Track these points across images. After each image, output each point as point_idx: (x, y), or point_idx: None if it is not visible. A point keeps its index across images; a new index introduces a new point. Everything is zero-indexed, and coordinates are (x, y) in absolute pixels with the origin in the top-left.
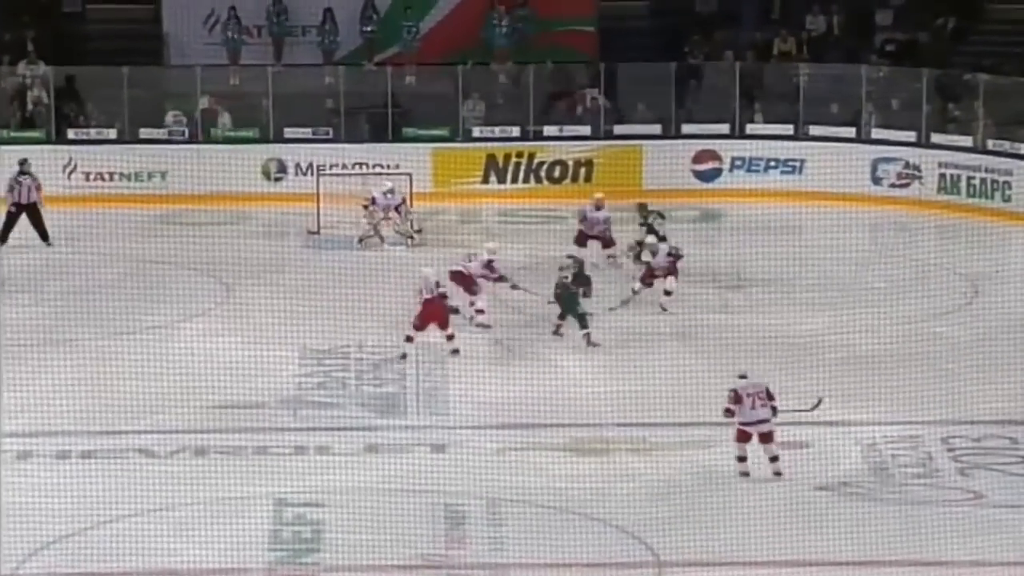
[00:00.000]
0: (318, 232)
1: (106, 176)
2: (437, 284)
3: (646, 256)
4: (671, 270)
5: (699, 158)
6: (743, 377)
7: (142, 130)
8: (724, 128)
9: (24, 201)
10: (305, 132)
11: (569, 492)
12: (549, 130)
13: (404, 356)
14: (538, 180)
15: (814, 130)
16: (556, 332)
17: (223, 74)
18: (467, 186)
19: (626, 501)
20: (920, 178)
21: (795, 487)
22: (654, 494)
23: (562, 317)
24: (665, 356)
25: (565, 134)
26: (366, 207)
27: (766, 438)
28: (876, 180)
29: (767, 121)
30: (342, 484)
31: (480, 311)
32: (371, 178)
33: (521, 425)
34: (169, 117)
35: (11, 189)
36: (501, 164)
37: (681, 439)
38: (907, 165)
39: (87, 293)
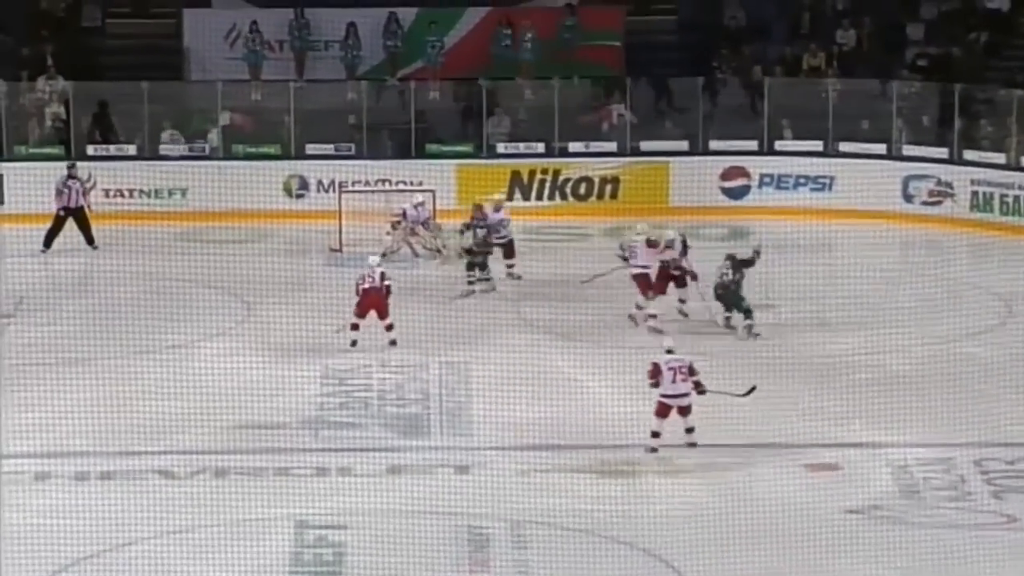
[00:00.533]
0: (340, 250)
1: (126, 193)
2: (383, 276)
3: (667, 254)
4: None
5: (727, 175)
6: (670, 352)
7: (162, 146)
8: (753, 144)
9: (73, 205)
10: (327, 148)
11: (595, 514)
12: (575, 146)
13: (354, 343)
14: (563, 197)
15: (844, 146)
16: (728, 325)
17: (244, 89)
18: None
19: (653, 524)
20: (952, 195)
21: (825, 510)
22: (682, 516)
23: (728, 310)
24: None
25: (591, 150)
26: (397, 223)
27: (684, 411)
28: (907, 197)
29: (796, 137)
30: (364, 506)
31: (652, 316)
32: (395, 195)
33: (546, 446)
34: (166, 135)
35: (59, 193)
36: (526, 181)
37: (709, 460)
38: (939, 182)
39: (106, 311)
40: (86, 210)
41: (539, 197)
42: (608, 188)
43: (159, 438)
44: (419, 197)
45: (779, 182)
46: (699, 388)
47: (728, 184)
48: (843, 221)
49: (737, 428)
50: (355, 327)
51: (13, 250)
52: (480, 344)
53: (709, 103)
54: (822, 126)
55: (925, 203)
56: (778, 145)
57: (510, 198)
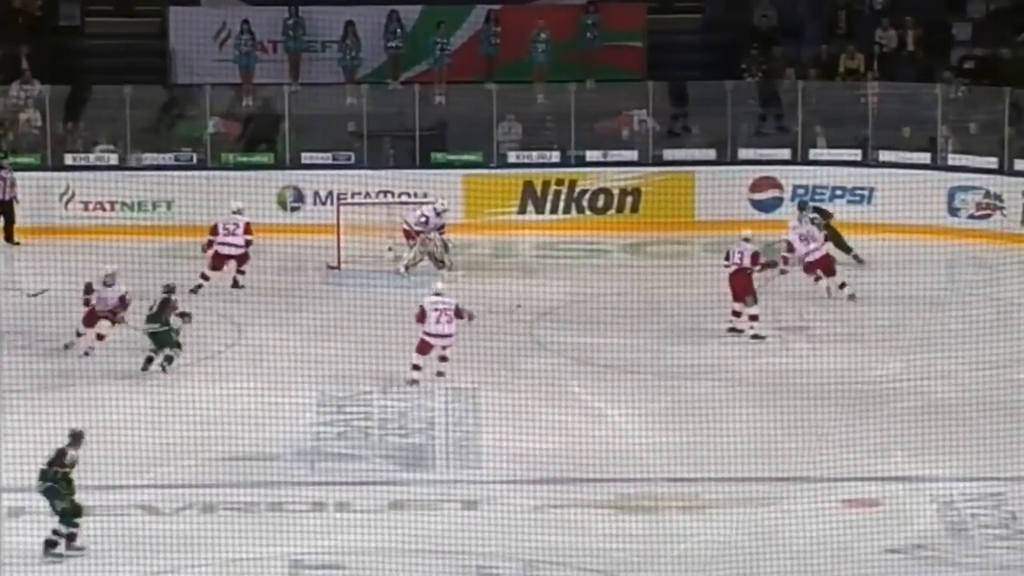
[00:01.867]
0: (338, 267)
1: (106, 206)
2: (123, 300)
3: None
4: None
5: (757, 186)
6: (437, 295)
7: (146, 155)
8: (785, 153)
9: (5, 198)
10: (324, 157)
11: (614, 554)
12: (592, 155)
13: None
14: (580, 210)
15: (884, 155)
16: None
17: (235, 94)
18: (502, 217)
19: (677, 564)
20: (1002, 209)
21: (864, 549)
22: (708, 556)
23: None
24: (720, 404)
25: (609, 160)
26: (418, 233)
27: (444, 351)
28: (953, 211)
29: (832, 145)
30: (364, 544)
31: (754, 318)
32: (397, 207)
33: (561, 480)
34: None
35: None
36: (539, 192)
37: (738, 495)
38: (987, 194)
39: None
40: (14, 204)
41: (553, 210)
42: (628, 200)
43: (142, 470)
44: (443, 203)
45: (813, 194)
46: (461, 314)
47: (758, 196)
48: (883, 236)
49: (768, 460)
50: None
51: None
52: (489, 369)
53: (737, 108)
54: (860, 133)
55: (972, 217)
56: (812, 154)
57: (522, 211)
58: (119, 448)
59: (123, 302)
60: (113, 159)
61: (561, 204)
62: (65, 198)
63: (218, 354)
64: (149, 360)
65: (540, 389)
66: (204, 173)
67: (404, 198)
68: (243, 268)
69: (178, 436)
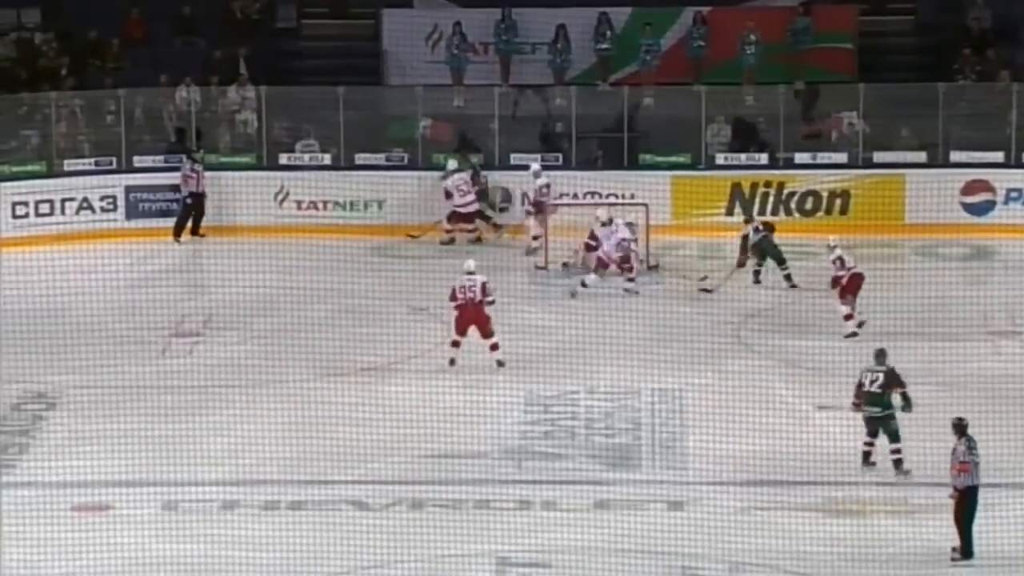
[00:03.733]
0: (546, 267)
1: (319, 205)
2: (484, 288)
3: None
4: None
5: (969, 189)
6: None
7: (358, 155)
8: (998, 156)
9: (200, 190)
10: (533, 158)
11: (820, 557)
12: (801, 157)
13: (452, 362)
14: (788, 212)
15: None
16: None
17: (446, 95)
18: (709, 218)
19: (885, 568)
20: None
21: None
22: (916, 561)
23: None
24: (928, 408)
25: (818, 162)
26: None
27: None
28: None
29: None
30: (570, 543)
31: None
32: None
33: (767, 482)
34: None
35: (186, 179)
36: (747, 194)
37: (947, 501)
38: None
39: (297, 331)
40: (204, 199)
41: (761, 212)
42: (837, 203)
43: (352, 466)
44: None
45: None
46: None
47: (970, 199)
48: None
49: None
50: (455, 344)
51: (199, 264)
52: (695, 370)
53: (950, 110)
54: None
55: None
56: None
57: (730, 212)
58: (330, 444)
59: (484, 291)
60: (326, 159)
61: (769, 206)
62: (279, 197)
63: (427, 352)
64: (756, 273)
65: (746, 391)
66: (415, 173)
67: (612, 199)
68: (474, 229)
69: (387, 433)
